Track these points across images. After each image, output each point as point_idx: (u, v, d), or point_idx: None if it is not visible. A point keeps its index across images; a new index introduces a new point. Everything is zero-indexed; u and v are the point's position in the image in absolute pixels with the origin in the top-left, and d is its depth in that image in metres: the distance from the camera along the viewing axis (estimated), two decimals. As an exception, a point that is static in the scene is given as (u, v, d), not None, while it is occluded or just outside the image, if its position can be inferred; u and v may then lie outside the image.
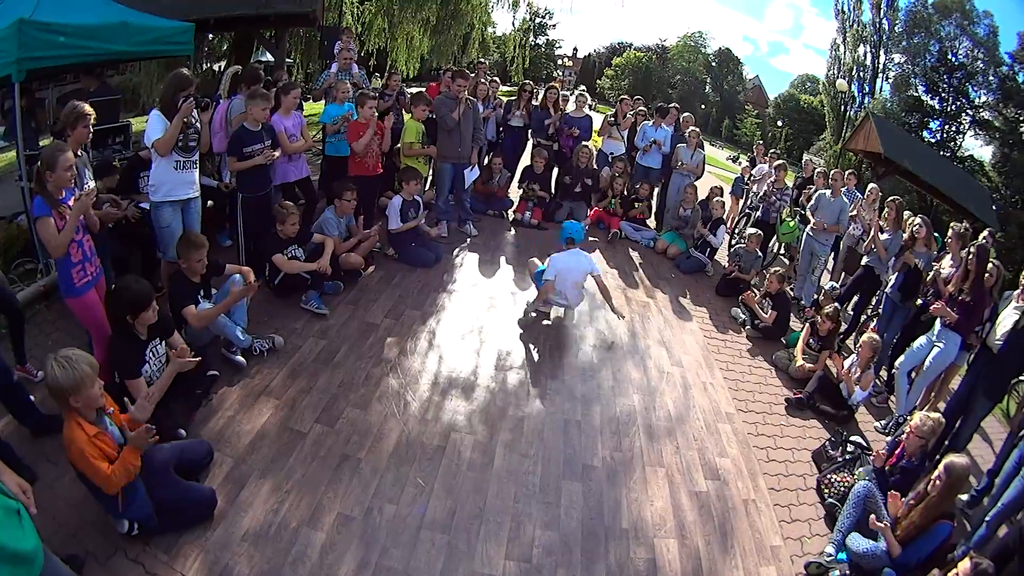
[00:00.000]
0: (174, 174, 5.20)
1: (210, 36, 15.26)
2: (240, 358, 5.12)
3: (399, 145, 8.51)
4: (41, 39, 5.24)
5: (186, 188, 5.36)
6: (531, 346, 6.38)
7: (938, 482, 4.06)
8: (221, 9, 9.58)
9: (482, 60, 13.15)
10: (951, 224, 7.15)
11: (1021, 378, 7.37)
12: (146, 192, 5.50)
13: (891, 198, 8.15)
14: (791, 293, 8.95)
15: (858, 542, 4.25)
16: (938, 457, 5.43)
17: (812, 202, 9.05)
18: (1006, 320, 5.73)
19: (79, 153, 4.60)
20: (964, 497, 5.49)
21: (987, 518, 4.82)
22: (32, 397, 4.12)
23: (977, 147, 41.69)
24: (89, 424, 3.10)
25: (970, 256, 6.00)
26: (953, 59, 40.71)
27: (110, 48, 6.09)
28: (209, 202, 6.49)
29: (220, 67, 14.94)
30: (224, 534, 3.61)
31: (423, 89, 9.47)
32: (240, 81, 6.63)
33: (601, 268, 7.10)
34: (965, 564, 3.54)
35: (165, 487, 3.51)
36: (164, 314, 4.24)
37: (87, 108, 4.61)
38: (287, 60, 14.75)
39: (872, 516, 4.28)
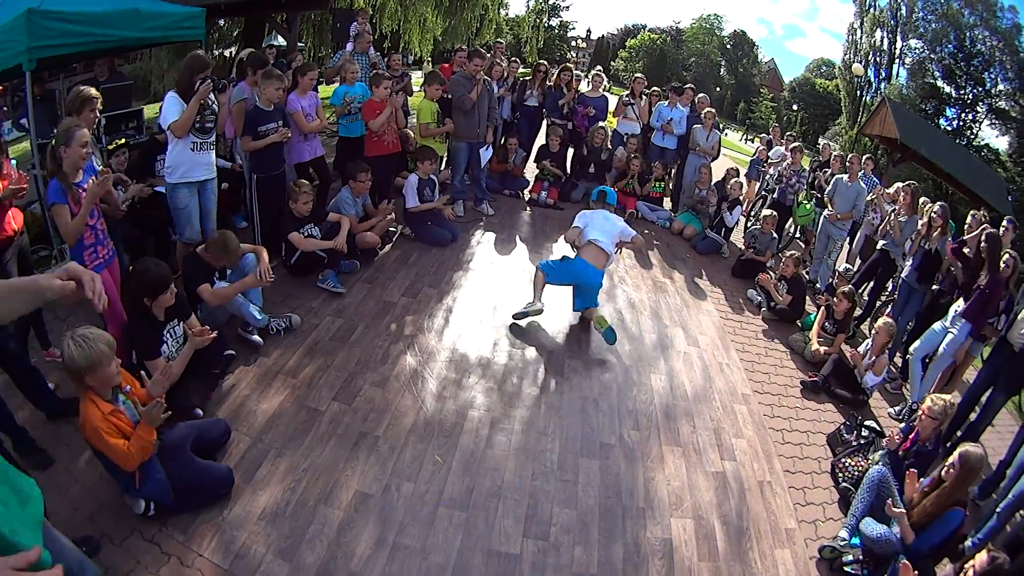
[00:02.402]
0: (191, 155, 5.21)
1: (220, 21, 15.20)
2: (257, 337, 5.13)
3: (408, 128, 8.50)
4: (51, 28, 5.24)
5: (203, 169, 5.37)
6: (548, 325, 6.36)
7: (952, 470, 4.04)
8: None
9: (499, 41, 13.07)
10: (971, 212, 7.09)
11: None
12: (162, 175, 5.51)
13: (907, 182, 8.09)
14: (807, 276, 8.91)
15: (872, 527, 4.23)
16: (949, 445, 5.44)
17: (829, 187, 8.98)
18: None
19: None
20: (975, 488, 5.46)
21: (998, 509, 4.78)
22: (50, 384, 4.15)
23: (993, 137, 41.26)
24: (104, 402, 3.11)
25: (982, 244, 5.97)
26: (971, 47, 40.13)
27: (121, 35, 6.08)
28: (224, 184, 6.49)
29: (231, 52, 14.88)
30: (241, 513, 3.62)
31: (435, 69, 9.45)
32: (247, 66, 6.62)
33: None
34: (982, 557, 3.51)
35: (182, 466, 3.53)
36: (180, 296, 4.25)
37: (93, 91, 4.61)
38: (299, 44, 14.72)
39: (889, 501, 4.26)
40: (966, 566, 3.56)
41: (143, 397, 3.45)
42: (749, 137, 51.11)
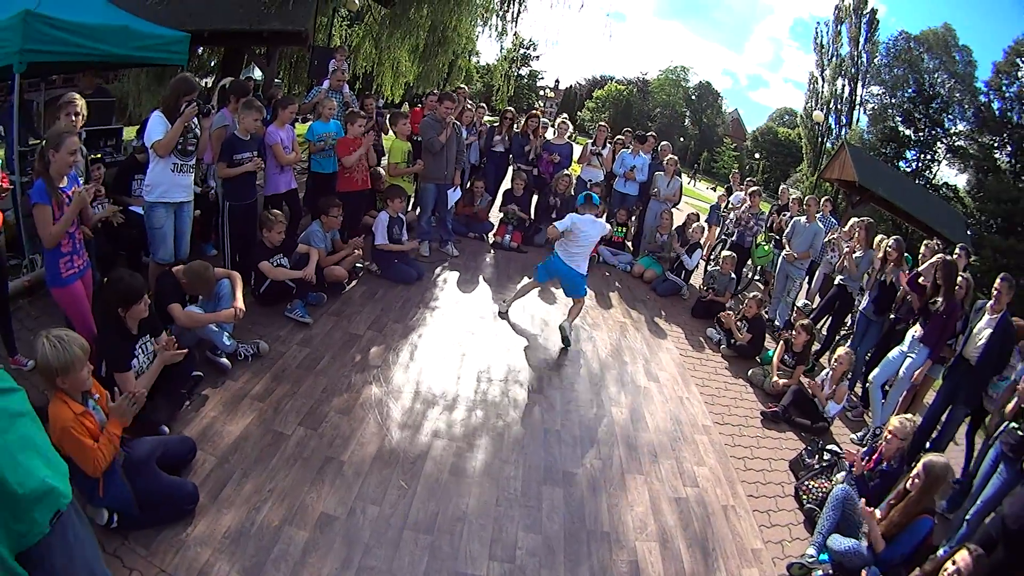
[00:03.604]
0: (171, 176, 5.29)
1: (200, 50, 15.30)
2: (225, 360, 5.13)
3: (379, 167, 8.62)
4: (45, 33, 5.29)
5: (181, 191, 5.44)
6: (510, 361, 6.45)
7: (917, 481, 4.16)
8: (216, 22, 9.67)
9: (462, 86, 13.37)
10: (924, 242, 7.38)
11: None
12: (138, 195, 5.55)
13: (860, 219, 8.40)
14: (766, 315, 9.13)
15: (840, 542, 4.32)
16: (913, 464, 5.59)
17: (788, 229, 9.27)
18: (982, 332, 5.92)
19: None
20: (943, 502, 5.60)
21: (967, 517, 4.95)
22: None
23: (953, 175, 42.83)
24: (75, 403, 3.10)
25: (937, 271, 6.22)
26: (930, 90, 41.84)
27: (109, 50, 6.14)
28: (197, 211, 6.53)
29: (207, 83, 14.96)
30: (205, 531, 3.59)
31: (404, 110, 9.63)
32: (229, 93, 6.72)
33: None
34: (964, 556, 3.61)
35: (147, 479, 3.50)
36: (153, 312, 4.27)
37: (76, 96, 4.74)
38: (275, 79, 14.90)
39: (862, 501, 4.35)
40: (946, 564, 3.64)
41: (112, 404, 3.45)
42: (712, 186, 52.31)
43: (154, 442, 3.77)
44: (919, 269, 6.72)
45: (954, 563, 3.60)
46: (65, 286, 4.23)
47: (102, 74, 7.49)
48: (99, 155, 6.16)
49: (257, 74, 13.21)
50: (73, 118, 4.79)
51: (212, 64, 16.65)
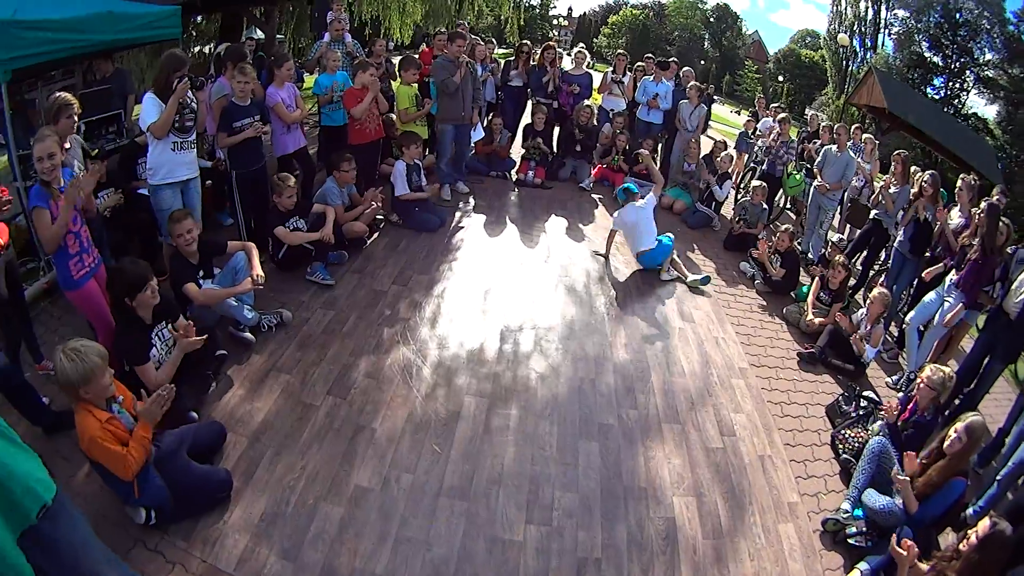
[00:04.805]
0: (172, 155, 5.17)
1: (198, 19, 14.96)
2: (248, 335, 5.08)
3: (392, 114, 8.42)
4: (26, 37, 5.08)
5: (185, 168, 5.32)
6: (540, 308, 6.31)
7: (958, 442, 4.00)
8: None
9: (462, 21, 13.00)
10: (960, 176, 7.05)
11: None
12: (145, 178, 5.44)
13: (896, 151, 8.05)
14: (798, 248, 8.88)
15: (874, 498, 4.21)
16: (948, 413, 5.42)
17: (819, 158, 8.93)
18: (1023, 286, 5.66)
19: (67, 144, 4.59)
20: (974, 457, 5.44)
21: (998, 477, 4.78)
22: (45, 398, 4.06)
23: (981, 105, 41.24)
24: (100, 410, 3.08)
25: (981, 213, 5.92)
26: (958, 16, 40.06)
27: (98, 39, 5.91)
28: (208, 182, 6.40)
29: (209, 49, 14.65)
30: (242, 516, 3.59)
31: (415, 54, 9.34)
32: (225, 60, 6.52)
33: (607, 224, 7.22)
34: (984, 523, 3.49)
35: (180, 472, 3.49)
36: (167, 297, 4.20)
37: (69, 98, 4.59)
38: (278, 36, 14.55)
39: (895, 469, 4.23)
40: (969, 532, 3.55)
41: (139, 406, 3.41)
42: (735, 110, 51.03)
43: (182, 432, 3.75)
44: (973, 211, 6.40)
45: (975, 532, 3.49)
46: (79, 287, 4.17)
47: (111, 56, 7.25)
48: (95, 150, 6.01)
49: (258, 34, 12.86)
50: (74, 119, 4.67)
51: (213, 31, 16.26)
